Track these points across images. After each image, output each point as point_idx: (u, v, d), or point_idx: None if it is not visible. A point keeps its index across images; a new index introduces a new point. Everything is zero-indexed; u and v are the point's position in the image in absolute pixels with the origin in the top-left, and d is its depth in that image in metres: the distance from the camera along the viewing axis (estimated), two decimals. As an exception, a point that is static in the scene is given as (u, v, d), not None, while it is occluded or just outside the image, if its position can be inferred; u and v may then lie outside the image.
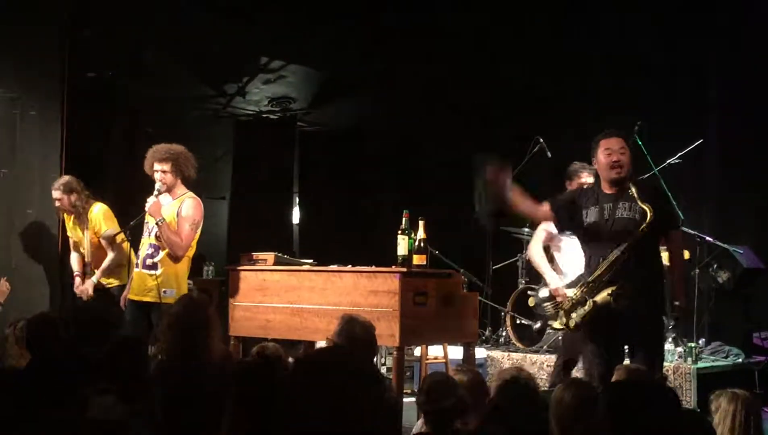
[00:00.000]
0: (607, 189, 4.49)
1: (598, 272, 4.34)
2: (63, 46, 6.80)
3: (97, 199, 6.39)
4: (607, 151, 4.45)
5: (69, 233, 6.49)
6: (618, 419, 2.43)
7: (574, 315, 4.43)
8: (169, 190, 5.60)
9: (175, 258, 5.49)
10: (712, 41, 7.71)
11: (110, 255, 6.28)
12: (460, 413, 3.20)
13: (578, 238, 4.65)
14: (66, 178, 6.34)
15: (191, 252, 5.65)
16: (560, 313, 4.53)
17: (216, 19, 7.59)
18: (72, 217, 6.38)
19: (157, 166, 5.55)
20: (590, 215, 4.46)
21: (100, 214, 6.29)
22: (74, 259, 6.47)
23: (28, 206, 6.62)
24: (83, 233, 6.34)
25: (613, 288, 4.26)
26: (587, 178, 5.49)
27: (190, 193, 5.64)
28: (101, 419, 2.54)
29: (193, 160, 5.67)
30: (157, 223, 5.47)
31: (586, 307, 4.36)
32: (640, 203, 4.32)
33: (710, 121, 7.71)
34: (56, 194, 6.28)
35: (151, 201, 5.48)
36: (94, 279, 6.28)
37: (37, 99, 6.70)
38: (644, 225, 4.28)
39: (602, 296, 4.30)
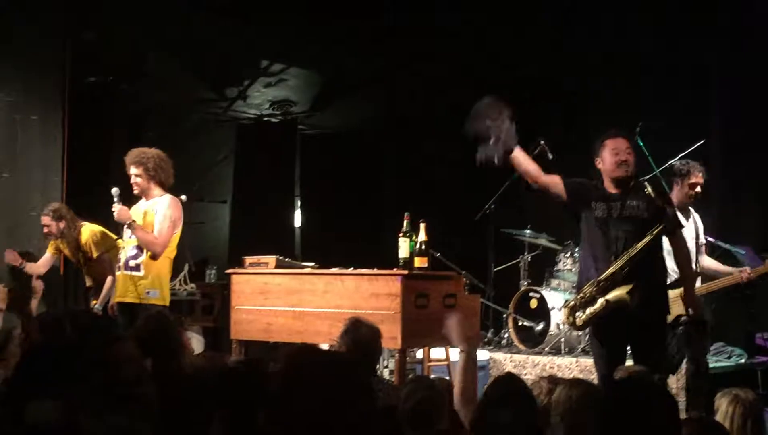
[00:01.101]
0: (611, 188, 4.47)
1: (612, 270, 4.29)
2: (64, 51, 6.81)
3: (84, 221, 6.36)
4: (614, 151, 4.44)
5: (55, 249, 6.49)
6: (618, 419, 2.42)
7: (580, 313, 4.39)
8: (144, 193, 5.64)
9: (154, 257, 5.48)
10: (712, 41, 7.69)
11: (110, 278, 6.23)
12: (435, 417, 3.18)
13: (583, 229, 4.58)
14: (56, 204, 6.35)
15: (172, 253, 5.63)
16: (565, 310, 4.51)
17: (216, 22, 7.59)
18: (61, 241, 6.37)
19: (132, 170, 5.61)
20: (598, 209, 4.43)
21: (89, 239, 6.28)
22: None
23: (30, 210, 6.62)
24: (80, 259, 6.36)
25: (630, 286, 4.22)
26: (699, 179, 5.49)
27: (167, 194, 5.65)
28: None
29: (167, 165, 5.65)
30: (128, 226, 5.49)
31: (596, 306, 4.31)
32: (658, 202, 4.31)
33: (711, 121, 7.69)
34: (45, 220, 6.26)
35: (116, 209, 5.48)
36: (98, 307, 6.22)
37: (39, 103, 6.72)
38: (665, 222, 4.27)
39: (616, 294, 4.25)
